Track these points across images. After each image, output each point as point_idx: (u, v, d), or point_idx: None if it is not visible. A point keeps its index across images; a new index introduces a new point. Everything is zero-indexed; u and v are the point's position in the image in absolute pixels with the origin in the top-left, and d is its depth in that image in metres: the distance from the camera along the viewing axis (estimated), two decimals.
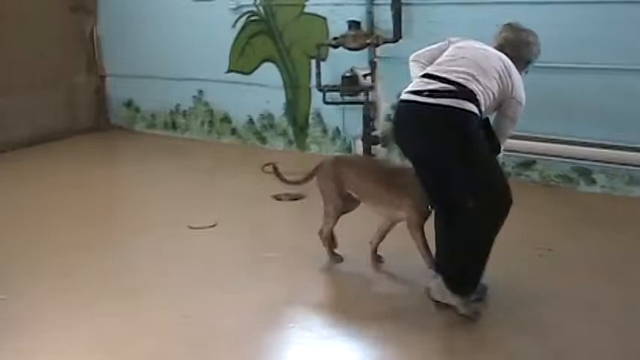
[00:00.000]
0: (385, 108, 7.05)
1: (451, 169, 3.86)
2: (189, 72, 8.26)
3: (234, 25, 7.85)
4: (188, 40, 8.17)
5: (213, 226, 5.46)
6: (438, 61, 3.97)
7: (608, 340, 3.73)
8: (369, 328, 3.95)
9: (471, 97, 3.72)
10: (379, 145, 7.07)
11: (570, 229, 5.07)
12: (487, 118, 3.90)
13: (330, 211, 4.62)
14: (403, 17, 6.66)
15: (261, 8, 7.67)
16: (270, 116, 7.88)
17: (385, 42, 6.73)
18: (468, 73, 3.77)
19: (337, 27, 6.97)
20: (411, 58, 4.17)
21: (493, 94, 3.79)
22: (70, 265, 4.83)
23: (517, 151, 6.00)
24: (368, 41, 6.75)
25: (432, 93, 3.76)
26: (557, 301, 4.12)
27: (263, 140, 7.98)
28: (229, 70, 8.03)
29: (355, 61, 6.92)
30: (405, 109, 3.93)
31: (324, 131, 7.52)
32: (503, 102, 3.86)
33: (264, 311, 4.12)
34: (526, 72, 4.10)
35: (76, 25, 8.77)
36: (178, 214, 5.72)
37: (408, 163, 4.21)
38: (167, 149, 8.13)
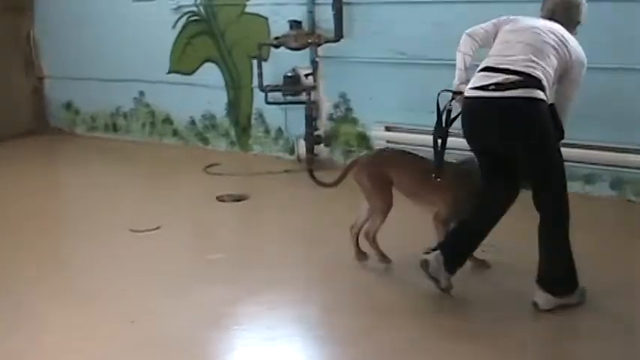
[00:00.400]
0: (327, 107, 7.07)
1: (520, 161, 3.91)
2: (130, 73, 8.17)
3: (174, 26, 7.79)
4: (128, 40, 8.07)
5: (157, 229, 5.40)
6: (494, 50, 3.97)
7: (561, 340, 3.82)
8: (313, 328, 3.97)
9: (537, 84, 3.73)
10: (322, 145, 7.09)
11: (511, 225, 5.12)
12: (552, 104, 3.86)
13: (378, 208, 4.51)
14: (344, 17, 6.70)
15: (201, 8, 7.63)
16: (212, 117, 7.84)
17: (327, 41, 6.76)
18: (529, 60, 3.78)
19: (279, 27, 6.97)
20: (467, 31, 4.10)
21: (554, 70, 3.81)
22: (11, 271, 4.74)
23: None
24: (309, 41, 6.77)
25: (498, 86, 3.76)
26: (510, 301, 4.15)
27: (205, 141, 7.94)
28: (170, 71, 7.97)
29: (297, 60, 6.92)
30: (472, 106, 3.91)
31: (267, 131, 7.50)
32: (565, 71, 3.87)
33: (209, 313, 4.09)
34: (575, 34, 4.04)
35: (12, 25, 8.60)
36: (121, 218, 5.65)
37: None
38: (108, 152, 8.04)
